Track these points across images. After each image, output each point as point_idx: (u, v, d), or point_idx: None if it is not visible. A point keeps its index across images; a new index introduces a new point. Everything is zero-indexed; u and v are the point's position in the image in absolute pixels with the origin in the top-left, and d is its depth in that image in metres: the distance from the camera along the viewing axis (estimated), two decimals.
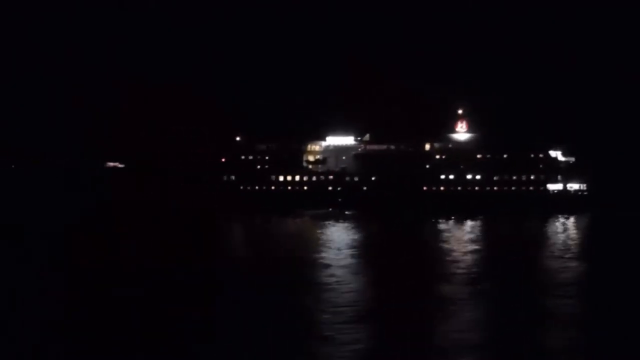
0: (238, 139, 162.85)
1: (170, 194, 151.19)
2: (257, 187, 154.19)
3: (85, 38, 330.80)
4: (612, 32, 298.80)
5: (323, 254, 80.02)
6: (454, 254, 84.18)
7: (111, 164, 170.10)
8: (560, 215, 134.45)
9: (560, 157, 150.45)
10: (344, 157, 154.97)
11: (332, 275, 65.36)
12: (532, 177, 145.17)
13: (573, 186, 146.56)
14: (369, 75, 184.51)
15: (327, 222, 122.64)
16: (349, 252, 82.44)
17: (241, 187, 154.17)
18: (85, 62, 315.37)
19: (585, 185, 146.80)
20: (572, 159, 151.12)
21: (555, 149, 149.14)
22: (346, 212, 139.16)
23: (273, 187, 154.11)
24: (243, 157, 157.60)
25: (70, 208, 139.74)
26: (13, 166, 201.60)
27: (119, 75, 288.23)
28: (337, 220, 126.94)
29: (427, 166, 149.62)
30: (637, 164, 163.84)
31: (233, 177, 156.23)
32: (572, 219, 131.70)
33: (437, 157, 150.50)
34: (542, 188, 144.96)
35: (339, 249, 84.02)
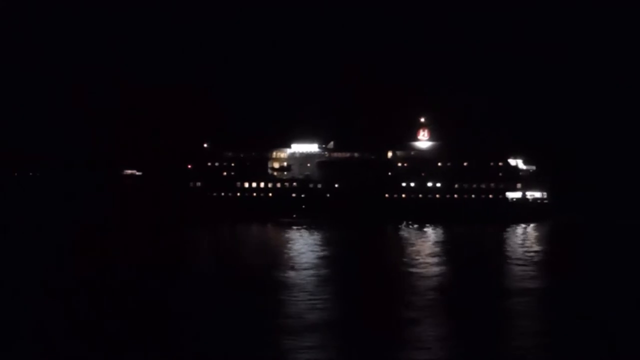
0: (205, 145, 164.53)
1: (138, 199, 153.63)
2: (223, 194, 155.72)
3: (85, 38, 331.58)
4: (583, 48, 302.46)
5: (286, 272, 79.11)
6: (413, 261, 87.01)
7: (129, 171, 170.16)
8: (519, 223, 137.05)
9: (521, 166, 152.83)
10: (308, 165, 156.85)
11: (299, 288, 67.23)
12: (491, 185, 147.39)
13: (534, 194, 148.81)
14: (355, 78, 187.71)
15: (290, 230, 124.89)
16: (311, 267, 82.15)
17: (207, 194, 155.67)
18: (84, 62, 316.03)
19: (545, 193, 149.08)
20: (533, 168, 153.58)
21: (515, 157, 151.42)
22: (309, 219, 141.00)
23: (239, 194, 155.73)
24: (210, 164, 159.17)
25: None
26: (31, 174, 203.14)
27: (109, 75, 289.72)
28: (300, 227, 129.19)
29: (389, 174, 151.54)
30: (598, 173, 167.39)
31: (199, 184, 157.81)
32: (530, 227, 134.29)
33: (399, 164, 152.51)
34: (501, 196, 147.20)
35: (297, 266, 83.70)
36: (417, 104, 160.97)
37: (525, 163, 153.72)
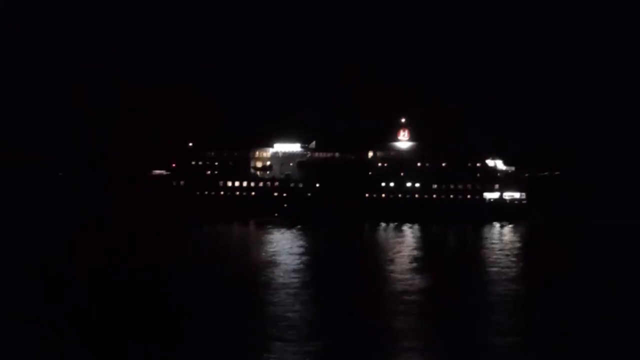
0: (190, 144, 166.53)
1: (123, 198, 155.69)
2: (206, 193, 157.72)
3: (85, 38, 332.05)
4: (583, 48, 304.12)
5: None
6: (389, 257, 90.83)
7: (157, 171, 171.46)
8: (495, 223, 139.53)
9: (501, 166, 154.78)
10: (291, 164, 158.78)
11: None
12: (468, 186, 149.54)
13: (513, 195, 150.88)
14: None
15: (271, 230, 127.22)
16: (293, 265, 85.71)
17: (190, 192, 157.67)
18: (84, 62, 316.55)
19: (523, 194, 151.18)
20: (512, 168, 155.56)
21: (493, 158, 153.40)
22: (290, 218, 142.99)
23: (222, 193, 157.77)
24: (193, 163, 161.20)
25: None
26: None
27: (109, 75, 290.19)
28: (280, 227, 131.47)
29: (369, 174, 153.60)
30: (591, 173, 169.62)
31: (182, 182, 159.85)
32: (506, 227, 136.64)
33: (379, 165, 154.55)
34: (478, 197, 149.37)
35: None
36: (402, 103, 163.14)
37: (505, 164, 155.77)
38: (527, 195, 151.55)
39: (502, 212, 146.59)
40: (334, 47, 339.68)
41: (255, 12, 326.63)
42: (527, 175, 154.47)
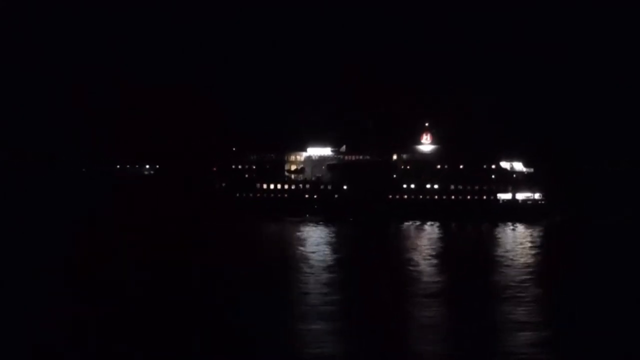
0: (234, 149, 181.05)
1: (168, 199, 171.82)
2: (244, 195, 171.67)
3: (85, 38, 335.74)
4: (583, 48, 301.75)
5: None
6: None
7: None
8: (509, 223, 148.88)
9: (521, 168, 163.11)
10: (323, 167, 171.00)
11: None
12: (483, 187, 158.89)
13: (530, 195, 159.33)
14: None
15: (304, 228, 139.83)
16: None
17: (230, 194, 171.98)
18: (84, 62, 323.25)
19: (540, 194, 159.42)
20: (531, 170, 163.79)
21: (510, 160, 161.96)
22: (319, 219, 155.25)
23: (259, 195, 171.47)
24: (233, 166, 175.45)
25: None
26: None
27: (118, 75, 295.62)
28: (313, 224, 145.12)
29: (394, 176, 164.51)
30: (599, 173, 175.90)
31: (224, 184, 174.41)
32: (519, 227, 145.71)
33: (402, 167, 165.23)
34: (492, 197, 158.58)
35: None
36: (422, 106, 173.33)
37: (525, 166, 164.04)
38: (544, 195, 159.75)
39: (516, 212, 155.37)
40: (333, 47, 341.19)
41: (255, 12, 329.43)
42: (543, 176, 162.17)
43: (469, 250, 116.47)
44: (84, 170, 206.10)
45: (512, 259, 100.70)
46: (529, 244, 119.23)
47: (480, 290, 76.13)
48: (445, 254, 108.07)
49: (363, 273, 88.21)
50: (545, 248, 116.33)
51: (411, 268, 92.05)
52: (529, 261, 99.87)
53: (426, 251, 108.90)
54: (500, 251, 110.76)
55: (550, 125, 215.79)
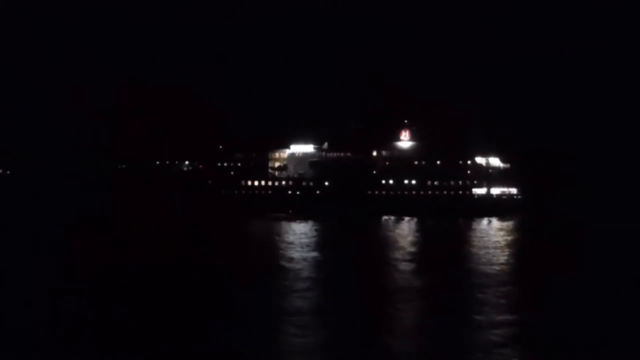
0: (220, 147, 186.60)
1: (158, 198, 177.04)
2: (230, 192, 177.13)
3: (85, 38, 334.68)
4: (583, 47, 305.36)
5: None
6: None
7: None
8: (484, 217, 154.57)
9: (497, 164, 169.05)
10: (306, 164, 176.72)
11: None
12: (459, 183, 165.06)
13: (505, 190, 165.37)
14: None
15: (287, 224, 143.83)
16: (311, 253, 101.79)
17: (216, 192, 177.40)
18: (84, 62, 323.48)
19: (515, 190, 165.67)
20: (507, 165, 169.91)
21: (487, 156, 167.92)
22: (302, 215, 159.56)
23: (243, 192, 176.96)
24: (219, 164, 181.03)
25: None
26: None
27: (117, 75, 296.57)
28: (294, 221, 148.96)
29: (374, 172, 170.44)
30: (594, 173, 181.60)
31: (210, 182, 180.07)
32: (493, 221, 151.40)
33: (382, 164, 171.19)
34: (467, 192, 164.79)
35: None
36: (407, 105, 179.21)
37: (502, 162, 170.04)
38: (520, 191, 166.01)
39: (490, 207, 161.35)
40: (333, 47, 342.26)
41: (255, 12, 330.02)
42: (519, 171, 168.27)
43: (439, 245, 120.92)
44: (76, 169, 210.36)
45: (481, 254, 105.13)
46: (501, 239, 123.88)
47: (444, 284, 79.75)
48: (418, 249, 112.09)
49: (336, 269, 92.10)
50: (515, 242, 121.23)
51: (383, 263, 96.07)
52: (496, 256, 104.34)
53: (400, 245, 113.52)
54: (468, 246, 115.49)
55: (532, 124, 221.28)
